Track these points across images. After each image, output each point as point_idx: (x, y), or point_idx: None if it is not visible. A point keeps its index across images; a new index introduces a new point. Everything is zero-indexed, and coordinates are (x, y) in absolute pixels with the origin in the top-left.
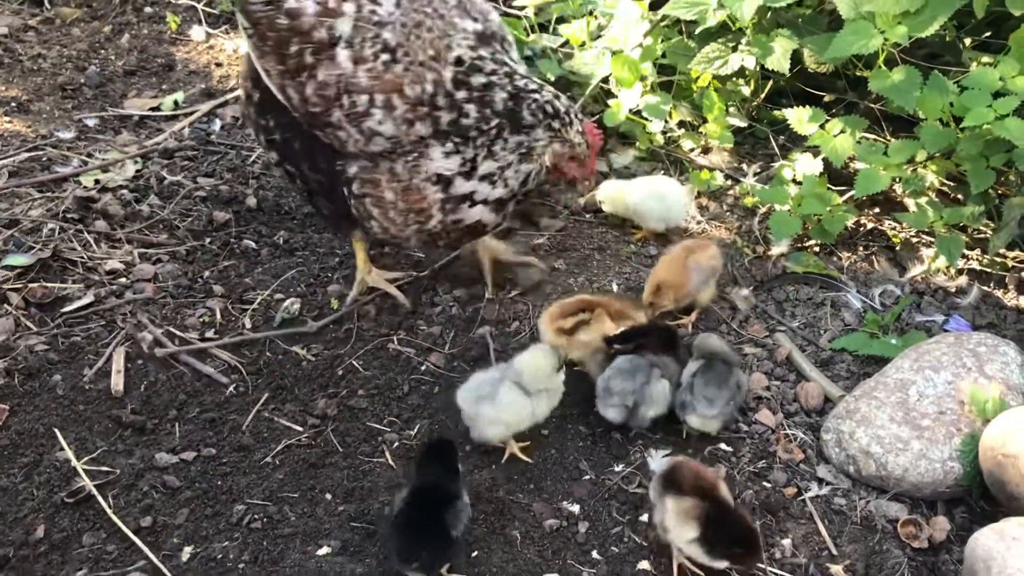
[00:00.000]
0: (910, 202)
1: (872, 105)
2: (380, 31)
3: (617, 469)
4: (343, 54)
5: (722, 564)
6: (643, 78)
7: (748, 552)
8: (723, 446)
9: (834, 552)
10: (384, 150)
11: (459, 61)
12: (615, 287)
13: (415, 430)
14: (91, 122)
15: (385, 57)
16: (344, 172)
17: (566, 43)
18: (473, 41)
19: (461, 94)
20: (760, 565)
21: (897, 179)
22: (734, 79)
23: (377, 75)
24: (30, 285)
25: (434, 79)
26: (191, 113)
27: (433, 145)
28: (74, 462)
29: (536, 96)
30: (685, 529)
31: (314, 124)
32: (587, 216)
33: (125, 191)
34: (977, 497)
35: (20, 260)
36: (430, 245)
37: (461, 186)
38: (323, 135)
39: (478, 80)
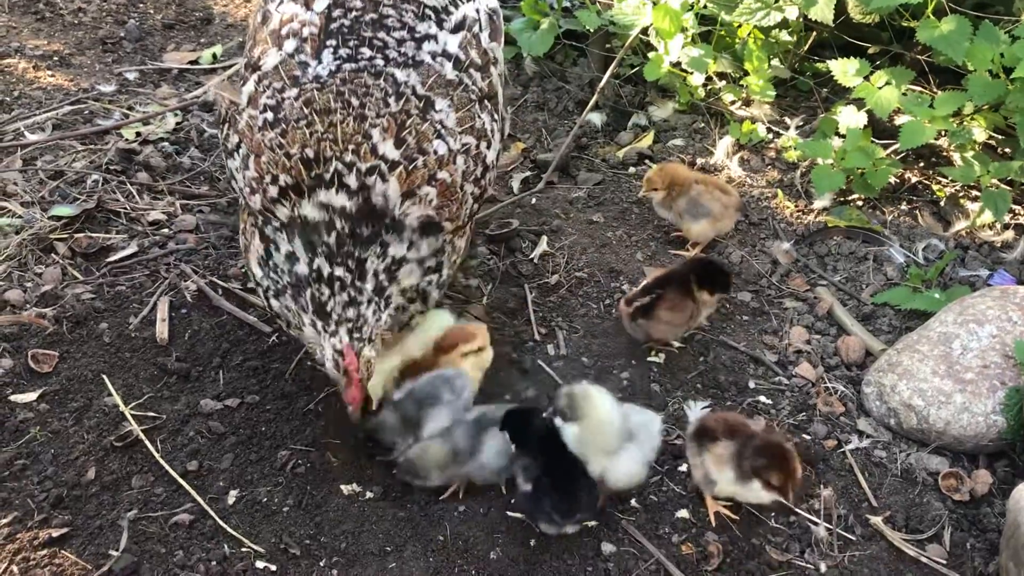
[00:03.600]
0: (956, 156)
1: (918, 57)
2: (286, 89)
3: None
4: (248, 87)
5: (757, 487)
6: (684, 29)
7: (777, 463)
8: (763, 399)
9: (874, 504)
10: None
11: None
12: (652, 243)
13: None
14: (131, 75)
15: (268, 117)
16: None
17: None
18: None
19: (287, 234)
20: (797, 477)
21: (943, 132)
22: (776, 30)
23: (252, 127)
24: (76, 235)
25: (296, 179)
26: (229, 66)
27: (255, 235)
28: (122, 407)
29: (326, 289)
30: (725, 471)
31: None
32: (628, 169)
33: (166, 143)
34: (1020, 451)
35: (66, 211)
36: None
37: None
38: None
39: (313, 239)
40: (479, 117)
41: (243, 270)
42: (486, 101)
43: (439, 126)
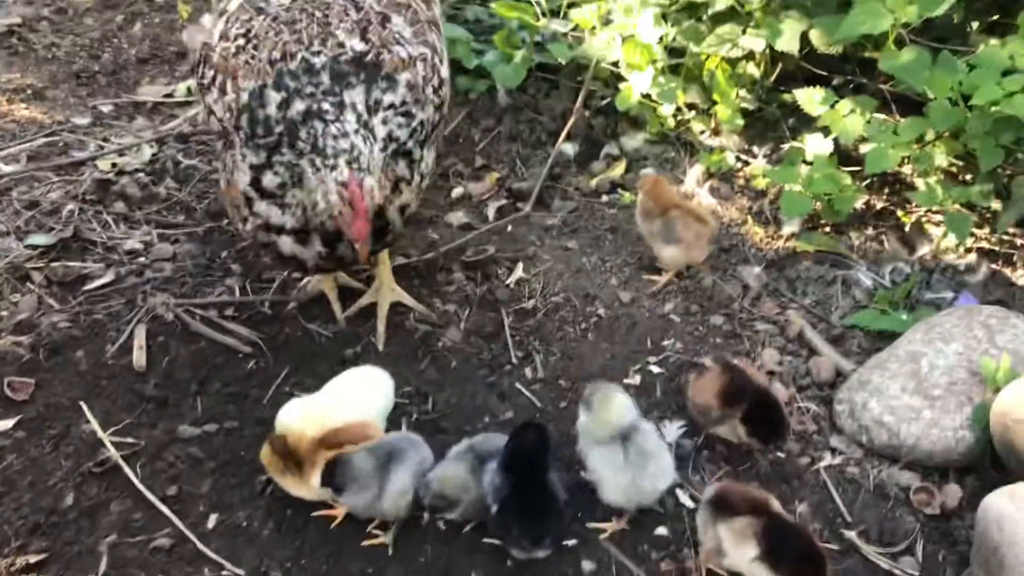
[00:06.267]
0: (920, 182)
1: (881, 87)
2: (253, 18)
3: None
4: (219, 27)
5: None
6: (654, 62)
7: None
8: None
9: (848, 519)
10: (219, 133)
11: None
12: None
13: (430, 404)
14: (106, 108)
15: (241, 43)
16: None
17: (576, 27)
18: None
19: (272, 89)
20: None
21: (907, 158)
22: (743, 62)
23: (225, 56)
24: (52, 264)
25: (263, 81)
26: None
27: (233, 143)
28: (100, 433)
29: (320, 124)
30: (744, 549)
31: None
32: (601, 198)
33: (142, 174)
34: (988, 465)
35: (42, 240)
36: (263, 253)
37: (257, 207)
38: None
39: (298, 83)
40: (430, 34)
41: (220, 298)
42: (432, 26)
43: (398, 35)
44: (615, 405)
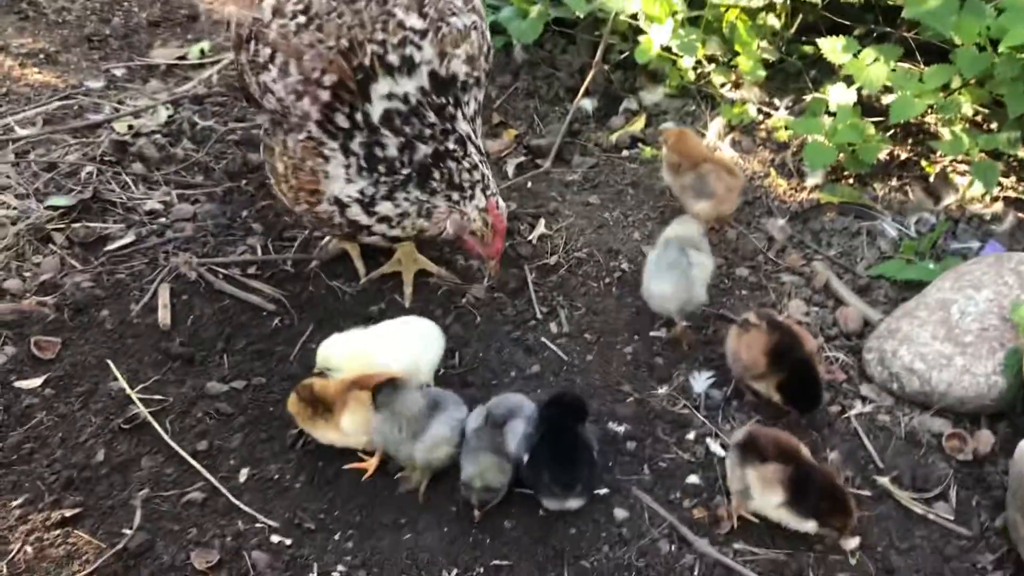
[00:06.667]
0: (944, 132)
1: (905, 35)
2: None
3: (660, 391)
4: (269, 0)
5: (810, 524)
6: (674, 13)
7: (835, 508)
8: None
9: (880, 465)
10: (275, 111)
11: (401, 98)
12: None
13: (457, 359)
14: (119, 72)
15: (301, 20)
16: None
17: None
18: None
19: (387, 131)
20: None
21: (932, 107)
22: (763, 13)
23: (285, 35)
24: (73, 225)
25: (339, 75)
26: (217, 61)
27: (335, 156)
28: (128, 390)
29: (453, 163)
30: (771, 495)
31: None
32: (621, 152)
33: (159, 135)
34: (1020, 410)
35: (63, 201)
36: (324, 227)
37: (358, 215)
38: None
39: (411, 128)
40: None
41: (243, 257)
42: None
43: (451, 6)
44: (685, 223)
